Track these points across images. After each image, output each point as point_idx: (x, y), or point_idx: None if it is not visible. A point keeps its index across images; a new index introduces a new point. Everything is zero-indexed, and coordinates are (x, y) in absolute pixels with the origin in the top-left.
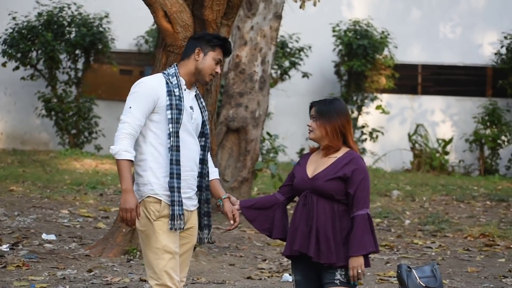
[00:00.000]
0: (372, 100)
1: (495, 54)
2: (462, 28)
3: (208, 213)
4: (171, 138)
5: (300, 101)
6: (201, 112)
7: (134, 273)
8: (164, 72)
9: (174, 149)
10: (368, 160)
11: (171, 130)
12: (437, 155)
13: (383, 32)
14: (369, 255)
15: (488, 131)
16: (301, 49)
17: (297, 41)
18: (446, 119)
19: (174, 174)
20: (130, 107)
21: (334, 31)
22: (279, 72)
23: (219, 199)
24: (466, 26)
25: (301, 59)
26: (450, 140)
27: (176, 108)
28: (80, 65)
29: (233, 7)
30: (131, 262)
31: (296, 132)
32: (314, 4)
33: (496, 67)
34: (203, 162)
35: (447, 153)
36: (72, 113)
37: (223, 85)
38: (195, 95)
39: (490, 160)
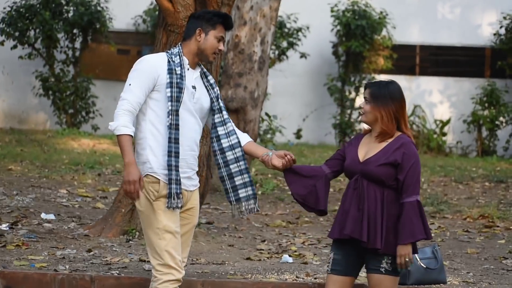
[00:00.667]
0: (370, 80)
1: (494, 34)
2: (461, 8)
3: (250, 182)
4: (170, 116)
5: (297, 82)
6: (208, 91)
7: (134, 253)
8: (168, 51)
9: (173, 127)
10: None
11: (170, 108)
12: (435, 136)
13: (381, 12)
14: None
15: (486, 112)
16: (299, 30)
17: (295, 21)
18: (444, 100)
19: (173, 152)
20: (130, 84)
21: (332, 11)
22: (277, 52)
23: (266, 153)
24: (465, 6)
25: (299, 40)
26: (448, 121)
27: (176, 86)
28: (78, 45)
29: None
30: (130, 242)
31: (294, 113)
32: None
33: (494, 47)
34: (229, 134)
35: (444, 134)
36: (69, 92)
37: (222, 65)
38: (200, 74)
39: (488, 141)
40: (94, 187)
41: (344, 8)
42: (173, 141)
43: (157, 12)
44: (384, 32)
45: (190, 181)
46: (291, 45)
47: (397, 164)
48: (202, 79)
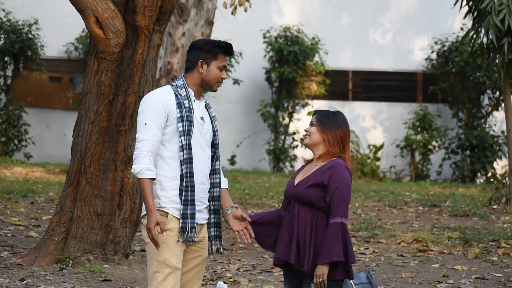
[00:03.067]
0: (303, 106)
1: (426, 59)
2: (392, 33)
3: (218, 223)
4: (184, 151)
5: (231, 108)
6: (211, 122)
7: (67, 281)
8: (172, 84)
9: (187, 161)
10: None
11: (183, 142)
12: (368, 161)
13: (313, 38)
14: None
15: (419, 137)
16: (231, 56)
17: None
18: (377, 125)
19: (188, 187)
20: (145, 124)
21: (264, 37)
22: None
23: (227, 208)
24: (396, 32)
25: (232, 66)
26: (381, 146)
27: (187, 120)
28: (9, 72)
29: (165, 13)
30: (64, 270)
31: (227, 139)
32: (245, 10)
33: (426, 72)
34: (213, 172)
35: (378, 159)
36: (1, 120)
37: None
38: (205, 106)
39: (421, 166)
40: (27, 216)
41: (277, 34)
42: (188, 175)
43: (89, 39)
44: (316, 58)
45: (201, 214)
46: None
47: (324, 185)
48: (207, 110)
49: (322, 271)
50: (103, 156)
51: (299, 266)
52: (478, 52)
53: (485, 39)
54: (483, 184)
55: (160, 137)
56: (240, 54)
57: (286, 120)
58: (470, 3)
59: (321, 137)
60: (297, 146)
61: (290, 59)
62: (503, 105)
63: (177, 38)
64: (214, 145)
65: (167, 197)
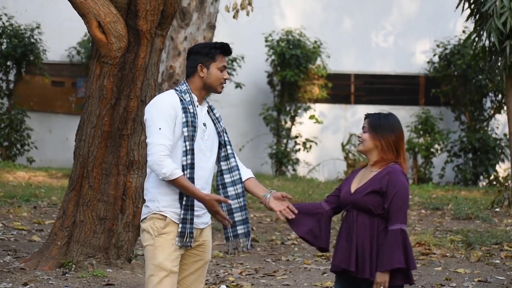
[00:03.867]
0: (306, 110)
1: (428, 62)
2: (394, 36)
3: (246, 220)
4: (187, 156)
5: (233, 112)
6: (214, 124)
7: (70, 286)
8: (176, 89)
9: (189, 166)
10: (302, 170)
11: (187, 147)
12: None
13: (315, 41)
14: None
15: (421, 140)
16: (234, 60)
17: None
18: None
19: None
20: (160, 129)
21: (266, 41)
22: None
23: (264, 193)
24: (399, 35)
25: (234, 70)
26: None
27: (191, 125)
28: (11, 77)
29: (167, 17)
30: (67, 275)
31: None
32: (247, 14)
33: (428, 75)
34: (231, 170)
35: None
36: (4, 125)
37: None
38: (207, 109)
39: (423, 169)
40: (29, 220)
41: (279, 38)
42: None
43: (91, 44)
44: (318, 61)
45: (200, 219)
46: None
47: (382, 192)
48: (209, 113)
49: (383, 278)
50: (105, 160)
51: (358, 273)
52: (480, 55)
53: (487, 42)
54: (485, 187)
55: (172, 140)
56: (242, 57)
57: (289, 123)
58: (472, 6)
59: (373, 143)
60: (299, 149)
61: (292, 62)
62: (505, 108)
63: (179, 42)
64: (226, 144)
65: (167, 201)
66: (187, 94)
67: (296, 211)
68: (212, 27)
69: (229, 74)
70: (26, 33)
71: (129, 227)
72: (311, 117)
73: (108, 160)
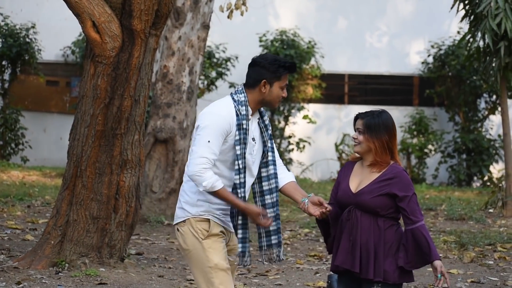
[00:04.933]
0: (299, 110)
1: (422, 63)
2: (389, 37)
3: (277, 230)
4: (240, 175)
5: None
6: (262, 133)
7: (63, 285)
8: (234, 98)
9: (242, 185)
10: (295, 170)
11: (240, 166)
12: None
13: (309, 42)
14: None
15: (415, 140)
16: (228, 59)
17: (224, 51)
18: None
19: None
20: (208, 141)
21: (261, 41)
22: (206, 82)
23: (303, 198)
24: (393, 35)
25: (228, 70)
26: None
27: (243, 142)
28: (6, 76)
29: (161, 17)
30: (60, 274)
31: None
32: (241, 14)
33: (422, 76)
34: (268, 177)
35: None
36: None
37: (150, 96)
38: (258, 118)
39: (417, 169)
40: (23, 219)
41: (273, 38)
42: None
43: (85, 43)
44: (312, 62)
45: (230, 223)
46: (220, 75)
47: (393, 194)
48: (258, 122)
49: (439, 263)
50: (99, 159)
51: (362, 274)
52: (475, 55)
53: (481, 43)
54: (479, 188)
55: (218, 155)
56: (236, 57)
57: (282, 123)
58: (467, 7)
59: (369, 145)
60: (292, 149)
61: None
62: (499, 108)
63: (173, 42)
64: (265, 153)
65: (209, 205)
66: (244, 107)
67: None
68: (206, 27)
69: (224, 74)
70: (22, 32)
71: (122, 226)
72: (305, 117)
73: (102, 159)
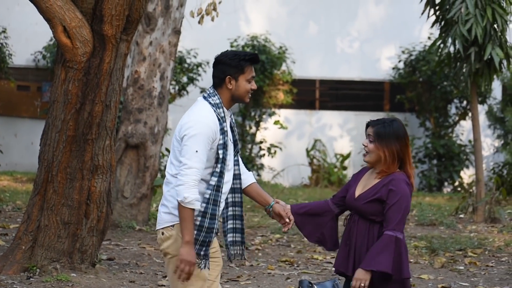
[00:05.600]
0: (270, 115)
1: (393, 68)
2: (360, 42)
3: (241, 229)
4: (217, 178)
5: None
6: (232, 132)
7: None
8: (211, 102)
9: (215, 188)
10: (266, 175)
11: (218, 169)
12: (335, 170)
13: (281, 47)
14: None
15: None
16: (199, 65)
17: (195, 57)
18: (344, 134)
19: (208, 214)
20: (196, 151)
21: (232, 46)
22: (177, 87)
23: (267, 205)
24: (364, 41)
25: (199, 75)
26: (348, 155)
27: (224, 146)
28: None
29: (132, 22)
30: (31, 279)
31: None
32: (212, 19)
33: (393, 81)
34: (234, 177)
35: (345, 168)
36: None
37: (122, 101)
38: (230, 116)
39: None
40: None
41: (244, 43)
42: (212, 202)
43: (56, 48)
44: (283, 67)
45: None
46: (191, 80)
47: (382, 200)
48: (230, 122)
49: (365, 276)
50: (70, 165)
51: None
52: (445, 61)
53: (452, 49)
54: (450, 193)
55: (204, 162)
56: (208, 63)
57: (253, 129)
58: (438, 13)
59: (379, 154)
60: (264, 155)
61: (257, 68)
62: (470, 114)
63: (145, 47)
64: (237, 152)
65: (196, 211)
66: (221, 109)
67: (292, 219)
68: (177, 32)
69: (195, 79)
70: None
71: (93, 231)
72: (276, 122)
73: (73, 164)
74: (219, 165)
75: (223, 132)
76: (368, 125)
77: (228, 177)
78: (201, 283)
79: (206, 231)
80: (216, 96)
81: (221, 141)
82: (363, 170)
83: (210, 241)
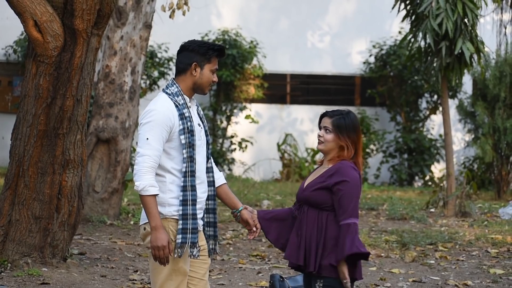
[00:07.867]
0: (241, 109)
1: (364, 63)
2: (331, 37)
3: (214, 223)
4: (186, 163)
5: None
6: (202, 123)
7: (6, 284)
8: (167, 92)
9: (189, 174)
10: (237, 170)
11: (185, 155)
12: (306, 164)
13: (252, 41)
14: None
15: None
16: (170, 59)
17: (166, 51)
18: (315, 128)
19: (189, 200)
20: (147, 138)
21: None
22: (148, 82)
23: (235, 210)
24: (335, 35)
25: (170, 69)
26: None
27: (188, 131)
28: None
29: (103, 17)
30: (2, 274)
31: None
32: (184, 14)
33: (364, 76)
34: (207, 170)
35: (316, 162)
36: None
37: (93, 95)
38: (196, 105)
39: None
40: None
41: (215, 38)
42: (190, 188)
43: (27, 43)
44: (254, 61)
45: (200, 221)
46: (162, 74)
47: (330, 187)
48: (197, 111)
49: (344, 267)
50: (41, 159)
51: (306, 267)
52: (416, 55)
53: (423, 43)
54: (420, 187)
55: (161, 151)
56: None
57: (224, 123)
58: (408, 7)
59: (338, 143)
60: (235, 149)
61: (228, 62)
62: (440, 108)
63: (115, 41)
64: (207, 144)
65: (177, 206)
66: (180, 97)
67: (259, 227)
68: (148, 26)
69: (166, 73)
70: None
71: (65, 226)
72: (247, 117)
73: (44, 159)
74: (184, 151)
75: (182, 117)
76: (323, 116)
77: (203, 165)
78: (181, 277)
79: (192, 218)
80: (174, 86)
81: (181, 127)
82: (315, 168)
83: (196, 228)
